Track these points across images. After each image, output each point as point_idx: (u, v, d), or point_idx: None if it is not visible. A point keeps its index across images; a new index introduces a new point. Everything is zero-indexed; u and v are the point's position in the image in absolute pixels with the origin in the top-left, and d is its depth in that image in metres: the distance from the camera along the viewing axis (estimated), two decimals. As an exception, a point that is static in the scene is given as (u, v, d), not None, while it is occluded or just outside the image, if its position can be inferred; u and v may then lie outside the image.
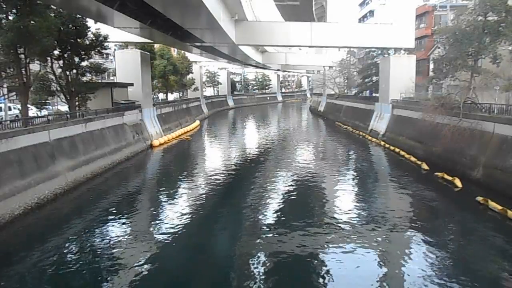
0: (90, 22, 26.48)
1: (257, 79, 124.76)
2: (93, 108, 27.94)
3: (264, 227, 15.27)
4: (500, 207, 15.57)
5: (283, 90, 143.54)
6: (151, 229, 15.57)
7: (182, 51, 54.88)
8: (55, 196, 18.26)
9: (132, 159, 28.80)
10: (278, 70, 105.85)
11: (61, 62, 26.24)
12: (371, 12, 63.46)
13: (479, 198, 16.85)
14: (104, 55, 34.47)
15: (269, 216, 16.52)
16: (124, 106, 32.53)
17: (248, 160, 30.45)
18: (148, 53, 39.69)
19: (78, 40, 26.14)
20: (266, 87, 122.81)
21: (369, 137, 37.30)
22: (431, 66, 38.23)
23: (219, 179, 23.10)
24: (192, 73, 62.34)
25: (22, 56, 20.70)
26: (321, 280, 11.20)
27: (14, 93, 25.44)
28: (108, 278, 11.37)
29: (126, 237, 14.45)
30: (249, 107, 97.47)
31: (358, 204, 18.22)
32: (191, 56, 58.45)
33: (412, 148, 28.07)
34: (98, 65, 29.33)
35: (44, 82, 26.14)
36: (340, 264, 12.06)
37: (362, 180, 23.46)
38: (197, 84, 65.98)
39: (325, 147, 36.82)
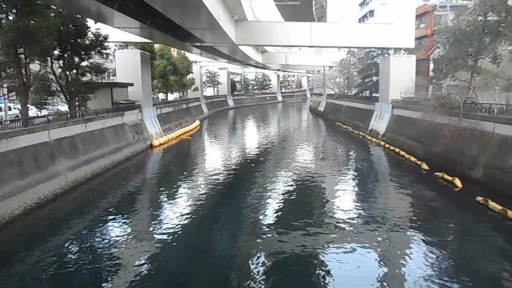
0: (90, 22, 26.48)
1: (257, 79, 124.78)
2: (93, 108, 27.95)
3: (264, 227, 15.27)
4: (500, 207, 15.58)
5: (283, 90, 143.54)
6: (151, 229, 15.57)
7: (182, 51, 54.87)
8: (55, 196, 18.26)
9: (132, 159, 28.80)
10: (278, 70, 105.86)
11: (61, 62, 26.24)
12: (371, 12, 63.47)
13: (479, 198, 16.85)
14: (104, 55, 34.47)
15: (269, 216, 16.52)
16: (124, 106, 32.53)
17: (248, 160, 30.45)
18: (148, 53, 39.70)
19: (78, 40, 26.14)
20: (266, 87, 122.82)
21: (369, 137, 37.30)
22: (431, 66, 38.23)
23: (219, 179, 23.11)
24: (192, 73, 62.34)
25: (22, 56, 20.70)
26: (321, 280, 11.20)
27: (14, 93, 25.43)
28: (108, 278, 11.37)
29: (126, 237, 14.45)
30: (249, 107, 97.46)
31: (358, 204, 18.21)
32: (191, 56, 58.44)
33: (412, 148, 28.07)
34: (98, 65, 29.34)
35: (44, 82, 26.14)
36: (340, 264, 12.06)
37: (362, 180, 23.46)
38: (197, 84, 65.98)
39: (325, 147, 36.82)
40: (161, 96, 60.34)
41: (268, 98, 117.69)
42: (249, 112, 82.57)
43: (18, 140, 17.28)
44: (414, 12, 34.84)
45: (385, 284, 10.87)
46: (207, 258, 12.81)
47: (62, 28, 24.29)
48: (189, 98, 64.96)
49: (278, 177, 23.63)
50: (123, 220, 16.36)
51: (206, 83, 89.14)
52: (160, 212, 17.48)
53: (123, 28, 28.19)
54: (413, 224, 15.39)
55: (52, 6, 22.91)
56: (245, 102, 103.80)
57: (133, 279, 11.11)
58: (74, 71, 26.96)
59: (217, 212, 17.53)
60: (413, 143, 28.42)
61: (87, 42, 26.99)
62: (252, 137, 46.98)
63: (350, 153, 33.56)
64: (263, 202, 18.61)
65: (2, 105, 24.22)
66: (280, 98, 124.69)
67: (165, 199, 20.02)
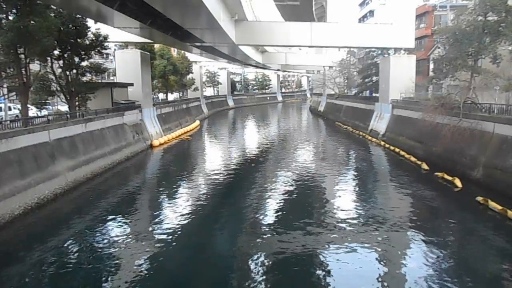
0: (90, 22, 26.48)
1: (257, 79, 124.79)
2: (93, 108, 27.95)
3: (264, 227, 15.27)
4: (500, 207, 15.58)
5: (283, 90, 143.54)
6: (151, 229, 15.55)
7: (182, 51, 54.88)
8: (55, 196, 18.26)
9: (132, 159, 28.80)
10: (278, 70, 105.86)
11: (61, 62, 26.24)
12: (371, 12, 63.47)
13: (479, 198, 16.86)
14: (104, 55, 34.46)
15: (269, 216, 16.51)
16: (124, 106, 32.53)
17: (248, 160, 30.44)
18: (148, 53, 39.70)
19: (78, 40, 26.15)
20: (266, 87, 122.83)
21: (369, 137, 37.30)
22: (431, 66, 38.23)
23: (219, 179, 23.11)
24: (192, 73, 62.35)
25: (22, 56, 20.70)
26: (321, 280, 11.20)
27: (14, 93, 25.43)
28: (108, 278, 11.37)
29: (126, 237, 14.44)
30: (249, 107, 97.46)
31: (358, 204, 18.21)
32: (191, 56, 58.45)
33: (412, 148, 28.07)
34: (98, 65, 29.34)
35: (44, 82, 26.14)
36: (340, 264, 12.05)
37: (362, 180, 23.46)
38: (197, 84, 65.98)
39: (325, 147, 36.82)
40: (161, 96, 60.34)
41: (268, 98, 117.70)
42: (249, 112, 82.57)
43: (18, 140, 17.28)
44: (414, 12, 34.85)
45: (385, 284, 10.87)
46: (207, 258, 12.81)
47: (62, 28, 24.29)
48: (189, 98, 64.97)
49: (278, 177, 23.62)
50: (123, 220, 16.34)
51: (206, 83, 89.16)
52: (160, 212, 17.47)
53: (123, 28, 28.19)
54: (413, 224, 15.39)
55: (52, 6, 22.91)
56: (245, 102, 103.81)
57: (133, 279, 11.10)
58: (74, 71, 26.97)
59: (217, 212, 17.52)
60: (413, 143, 28.42)
61: (87, 42, 26.99)
62: (252, 137, 46.98)
63: (350, 153, 33.55)
64: (263, 202, 18.61)
65: (2, 105, 24.22)
66: (280, 98, 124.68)
67: (165, 199, 20.01)
